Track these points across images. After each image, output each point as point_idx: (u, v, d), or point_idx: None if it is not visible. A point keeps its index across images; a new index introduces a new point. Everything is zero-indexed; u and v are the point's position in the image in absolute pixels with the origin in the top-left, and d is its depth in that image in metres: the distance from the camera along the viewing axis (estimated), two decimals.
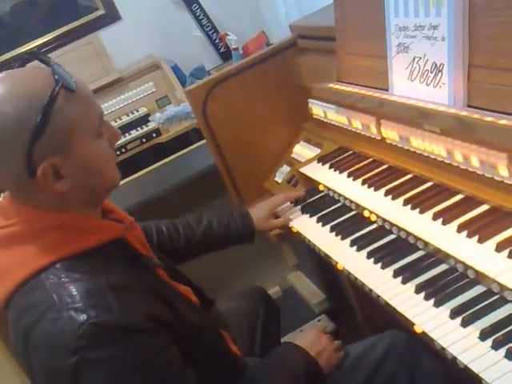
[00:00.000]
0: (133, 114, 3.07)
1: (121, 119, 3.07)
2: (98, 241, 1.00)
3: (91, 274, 0.95)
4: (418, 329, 1.04)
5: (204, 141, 2.09)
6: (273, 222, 1.61)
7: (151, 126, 3.03)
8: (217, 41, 3.32)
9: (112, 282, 0.95)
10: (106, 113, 3.12)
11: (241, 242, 1.58)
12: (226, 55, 3.29)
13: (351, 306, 1.96)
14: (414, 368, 1.28)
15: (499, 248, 1.05)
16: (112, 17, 3.38)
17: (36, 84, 0.94)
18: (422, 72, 1.32)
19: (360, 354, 1.34)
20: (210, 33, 3.30)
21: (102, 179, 1.04)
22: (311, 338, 1.31)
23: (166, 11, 3.36)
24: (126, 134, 3.03)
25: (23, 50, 3.33)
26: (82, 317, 0.89)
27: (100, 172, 1.02)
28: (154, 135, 3.02)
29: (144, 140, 2.99)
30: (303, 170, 1.72)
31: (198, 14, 3.25)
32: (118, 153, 2.94)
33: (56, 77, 0.94)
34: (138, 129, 3.02)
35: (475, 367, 0.91)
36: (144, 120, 3.06)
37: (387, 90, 1.44)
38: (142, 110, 3.07)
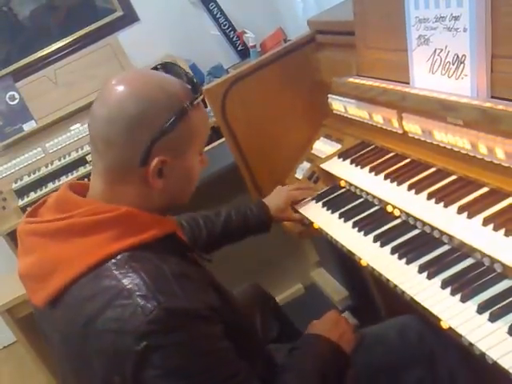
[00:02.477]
0: None
1: None
2: (156, 234, 1.03)
3: (153, 263, 0.98)
4: (444, 324, 1.03)
5: (223, 139, 2.09)
6: (290, 213, 1.62)
7: None
8: (234, 39, 3.31)
9: (173, 270, 0.98)
10: None
11: (259, 231, 1.60)
12: (243, 53, 3.29)
13: (374, 302, 1.94)
14: (431, 356, 1.28)
15: None
16: (130, 18, 3.40)
17: (181, 88, 1.05)
18: (443, 64, 1.30)
19: (377, 336, 1.34)
20: (227, 31, 3.30)
21: (186, 193, 1.13)
22: (330, 322, 1.30)
23: (183, 11, 3.38)
24: None
25: (43, 53, 3.38)
26: (152, 303, 0.92)
27: (189, 185, 1.12)
28: None
29: None
30: (324, 166, 1.70)
31: (215, 13, 3.25)
32: None
33: (198, 88, 1.06)
34: None
35: (504, 363, 0.89)
36: None
37: (408, 84, 1.42)
38: None
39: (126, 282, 0.95)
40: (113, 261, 0.98)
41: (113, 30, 3.36)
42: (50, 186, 3.09)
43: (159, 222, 1.07)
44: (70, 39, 3.38)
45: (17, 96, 3.16)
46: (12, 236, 3.14)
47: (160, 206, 1.08)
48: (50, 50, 3.39)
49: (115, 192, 1.04)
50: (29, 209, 1.13)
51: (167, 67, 1.11)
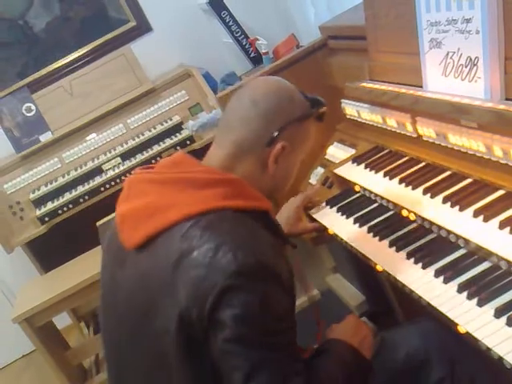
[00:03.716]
0: (166, 122, 3.11)
1: (155, 128, 3.10)
2: (257, 206, 1.14)
3: (252, 226, 1.08)
4: (461, 329, 1.02)
5: None
6: (303, 225, 1.61)
7: (185, 133, 3.06)
8: (247, 46, 3.32)
9: (268, 238, 1.08)
10: (140, 123, 3.18)
11: None
12: (256, 60, 3.30)
13: (392, 307, 1.93)
14: (451, 359, 1.27)
15: None
16: (143, 28, 3.43)
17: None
18: (456, 67, 1.29)
19: (397, 340, 1.33)
20: (239, 38, 3.31)
21: (284, 187, 1.26)
22: (351, 327, 1.29)
23: (195, 20, 3.40)
24: (161, 143, 3.07)
25: (59, 64, 3.42)
26: (247, 252, 1.00)
27: (289, 180, 1.26)
28: (188, 143, 3.05)
29: (178, 148, 3.02)
30: (338, 171, 1.70)
31: (227, 21, 3.26)
32: (153, 161, 2.98)
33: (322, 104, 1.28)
34: (172, 137, 3.06)
35: None
36: (177, 128, 3.09)
37: (421, 87, 1.42)
38: (176, 119, 3.10)
39: (225, 232, 1.03)
40: (218, 215, 1.06)
41: (126, 40, 3.39)
42: (67, 195, 3.12)
43: (260, 197, 1.17)
44: (85, 50, 3.42)
45: (33, 107, 3.20)
46: (30, 246, 3.18)
47: (263, 189, 1.18)
48: (65, 62, 3.43)
49: (233, 164, 1.16)
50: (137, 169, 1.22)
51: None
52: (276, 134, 1.16)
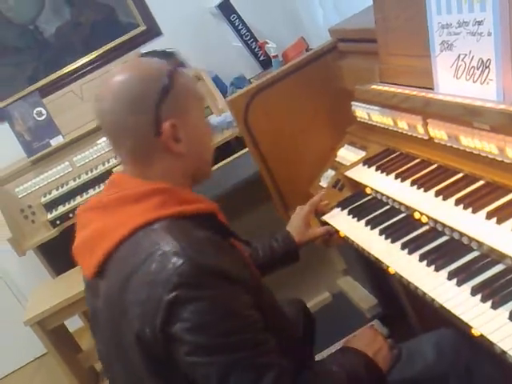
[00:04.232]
0: None
1: None
2: (196, 209, 1.10)
3: (191, 230, 1.05)
4: (475, 332, 1.01)
5: (247, 149, 2.10)
6: (313, 231, 1.60)
7: None
8: (256, 49, 3.33)
9: (210, 238, 1.05)
10: None
11: (287, 261, 1.58)
12: (265, 63, 3.30)
13: (404, 310, 1.92)
14: (468, 369, 1.26)
15: None
16: (153, 32, 3.45)
17: (160, 61, 1.14)
18: (467, 69, 1.29)
19: (412, 352, 1.32)
20: (249, 42, 3.32)
21: (205, 159, 1.20)
22: (367, 338, 1.29)
23: (204, 23, 3.41)
24: None
25: (69, 69, 3.45)
26: (183, 258, 0.98)
27: (206, 149, 1.20)
28: None
29: None
30: (348, 173, 1.70)
31: (236, 24, 3.27)
32: None
33: (177, 56, 1.17)
34: None
35: None
36: None
37: (432, 89, 1.42)
38: None
39: (162, 243, 1.01)
40: (153, 227, 1.04)
41: (136, 44, 3.41)
42: (78, 199, 3.14)
43: (200, 200, 1.14)
44: (95, 54, 3.45)
45: (44, 112, 3.22)
46: (41, 249, 3.20)
47: (191, 172, 1.16)
48: (75, 66, 3.45)
49: (148, 172, 1.12)
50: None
51: (145, 55, 1.21)
52: (153, 120, 1.09)
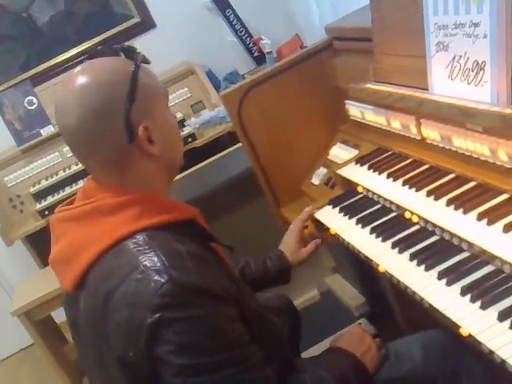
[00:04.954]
0: None
1: None
2: (175, 217, 1.07)
3: (170, 243, 1.01)
4: (464, 332, 1.02)
5: (239, 144, 2.10)
6: (305, 250, 1.59)
7: (187, 130, 3.07)
8: (250, 45, 3.33)
9: (190, 251, 1.00)
10: None
11: (278, 280, 1.57)
12: (259, 59, 3.30)
13: (392, 309, 1.93)
14: (455, 371, 1.27)
15: None
16: (147, 25, 3.44)
17: (119, 60, 1.09)
18: (462, 71, 1.29)
19: (400, 352, 1.32)
20: (243, 37, 3.32)
21: (178, 150, 1.17)
22: (355, 338, 1.30)
23: (199, 17, 3.40)
24: None
25: (61, 58, 3.42)
26: (164, 277, 0.94)
27: (177, 140, 1.17)
28: (190, 140, 3.05)
29: None
30: (341, 171, 1.70)
31: (231, 19, 3.27)
32: None
33: (137, 52, 1.10)
34: None
35: None
36: (179, 125, 3.09)
37: (426, 90, 1.42)
38: (178, 116, 3.11)
39: (142, 258, 0.98)
40: (132, 240, 1.01)
41: (130, 36, 3.40)
42: (68, 190, 3.12)
43: (179, 207, 1.11)
44: (88, 45, 3.43)
45: (35, 101, 3.20)
46: (30, 239, 3.18)
47: (166, 171, 1.13)
48: (68, 56, 3.43)
49: (123, 180, 1.08)
50: (57, 207, 1.16)
51: (93, 54, 1.13)
52: (124, 127, 1.03)
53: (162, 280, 0.94)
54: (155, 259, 0.97)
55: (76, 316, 1.10)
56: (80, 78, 1.05)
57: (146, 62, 1.11)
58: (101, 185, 1.09)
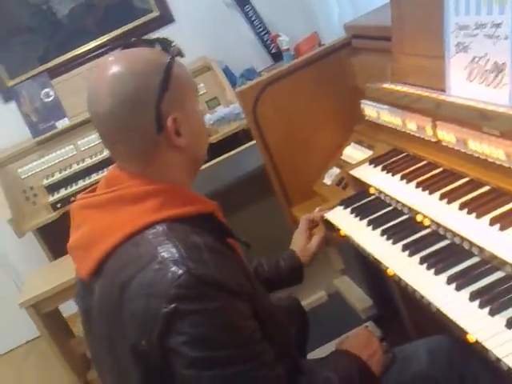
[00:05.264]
0: None
1: None
2: (195, 210, 1.07)
3: (189, 235, 1.01)
4: (471, 338, 1.00)
5: (253, 142, 2.08)
6: (311, 244, 1.57)
7: None
8: (268, 42, 3.32)
9: (208, 244, 1.01)
10: None
11: (291, 280, 1.55)
12: (276, 56, 3.29)
13: (399, 312, 1.91)
14: (461, 377, 1.25)
15: None
16: (166, 19, 3.44)
17: (153, 51, 1.10)
18: (481, 72, 1.27)
19: (406, 356, 1.31)
20: (261, 34, 3.31)
21: (204, 145, 1.17)
22: (362, 341, 1.28)
23: (218, 13, 3.39)
24: None
25: (80, 51, 3.43)
26: (182, 268, 0.95)
27: (203, 136, 1.17)
28: None
29: None
30: (353, 172, 1.68)
31: (250, 15, 3.26)
32: None
33: (173, 44, 1.11)
34: None
35: None
36: None
37: (444, 91, 1.40)
38: None
39: (160, 249, 0.98)
40: (152, 230, 1.01)
41: (148, 30, 3.40)
42: (81, 183, 3.13)
43: (200, 200, 1.12)
44: (106, 38, 3.43)
45: (52, 93, 3.21)
46: (41, 232, 3.19)
47: (192, 163, 1.14)
48: (86, 49, 3.44)
49: (148, 170, 1.08)
50: (79, 194, 1.17)
51: (129, 44, 1.14)
52: (154, 117, 1.04)
53: (180, 271, 0.94)
54: (173, 250, 0.97)
55: (89, 305, 1.10)
56: (113, 66, 1.06)
57: (181, 54, 1.12)
58: (125, 174, 1.09)
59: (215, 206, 1.14)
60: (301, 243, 1.57)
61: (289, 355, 1.17)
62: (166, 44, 1.11)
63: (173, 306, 0.93)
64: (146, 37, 3.24)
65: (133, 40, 1.15)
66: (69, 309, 3.27)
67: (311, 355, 1.54)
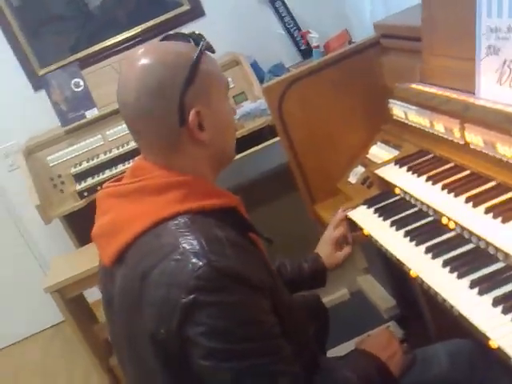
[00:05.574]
0: None
1: None
2: (218, 204, 1.08)
3: (211, 228, 1.02)
4: (493, 344, 0.99)
5: (278, 138, 2.09)
6: (340, 254, 1.57)
7: None
8: (298, 38, 3.30)
9: (230, 238, 1.02)
10: None
11: (314, 283, 1.55)
12: (306, 53, 3.28)
13: (422, 314, 1.90)
14: (484, 381, 1.24)
15: None
16: (196, 12, 3.44)
17: (184, 45, 1.12)
18: None
19: (427, 358, 1.30)
20: (291, 30, 3.30)
21: (230, 143, 1.17)
22: (382, 341, 1.28)
23: (249, 8, 3.39)
24: None
25: (110, 43, 3.46)
26: (202, 260, 0.96)
27: (229, 133, 1.16)
28: None
29: None
30: (379, 171, 1.67)
31: (280, 11, 3.25)
32: None
33: (204, 39, 1.12)
34: None
35: None
36: None
37: (473, 94, 1.38)
38: None
39: (182, 240, 0.99)
40: (175, 221, 1.02)
41: (179, 23, 3.41)
42: (107, 172, 3.17)
43: (223, 194, 1.12)
44: (137, 30, 3.46)
45: (81, 83, 3.25)
46: (68, 219, 3.24)
47: (216, 159, 1.14)
48: (116, 40, 3.47)
49: (172, 162, 1.09)
50: (105, 183, 1.19)
51: (165, 37, 1.17)
52: (178, 109, 1.05)
53: (200, 263, 0.95)
54: (194, 242, 0.98)
55: (111, 293, 1.12)
56: (144, 57, 1.08)
57: (211, 50, 1.13)
58: (150, 164, 1.10)
59: (238, 201, 1.15)
60: (327, 249, 1.56)
61: (307, 351, 1.17)
62: (198, 39, 1.12)
63: (192, 296, 0.94)
64: (176, 30, 3.27)
65: (169, 33, 1.18)
66: (93, 295, 3.32)
67: (331, 352, 1.54)
